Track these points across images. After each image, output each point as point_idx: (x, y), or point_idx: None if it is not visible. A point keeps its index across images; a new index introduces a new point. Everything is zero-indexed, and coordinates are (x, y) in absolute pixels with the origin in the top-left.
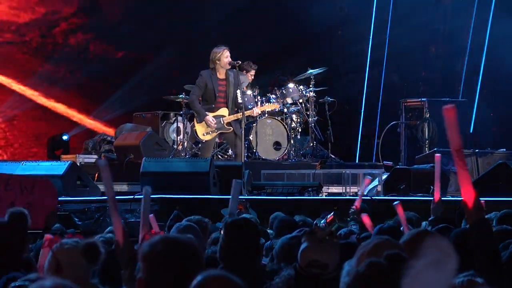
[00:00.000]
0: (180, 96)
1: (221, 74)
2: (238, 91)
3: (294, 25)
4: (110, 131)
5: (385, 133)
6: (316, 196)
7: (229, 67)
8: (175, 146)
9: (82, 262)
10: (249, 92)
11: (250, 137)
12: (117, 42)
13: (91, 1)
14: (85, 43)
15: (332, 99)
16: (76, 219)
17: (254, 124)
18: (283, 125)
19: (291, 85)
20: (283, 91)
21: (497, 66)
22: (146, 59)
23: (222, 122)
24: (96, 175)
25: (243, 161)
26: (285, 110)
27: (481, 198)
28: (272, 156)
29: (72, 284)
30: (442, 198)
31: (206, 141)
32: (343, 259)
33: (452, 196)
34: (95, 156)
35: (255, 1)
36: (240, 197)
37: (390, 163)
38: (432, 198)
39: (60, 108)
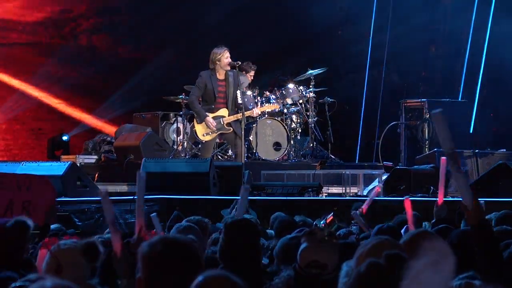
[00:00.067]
0: (180, 96)
1: (221, 75)
2: (238, 92)
3: (294, 25)
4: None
5: (385, 134)
6: (316, 196)
7: (229, 68)
8: (175, 147)
9: (82, 262)
10: (249, 92)
11: (250, 138)
12: (117, 42)
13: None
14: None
15: (332, 100)
16: (76, 220)
17: (254, 125)
18: (283, 125)
19: (291, 85)
20: (283, 91)
21: (497, 66)
22: (146, 59)
23: (222, 123)
24: (96, 175)
25: (243, 161)
26: (285, 110)
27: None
28: (272, 156)
29: (72, 284)
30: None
31: (206, 141)
32: (342, 259)
33: (452, 196)
34: (95, 157)
35: (255, 1)
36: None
37: (390, 163)
38: (432, 198)
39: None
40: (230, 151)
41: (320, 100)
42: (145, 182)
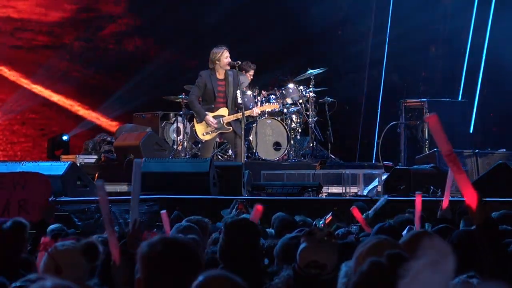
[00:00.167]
0: (180, 96)
1: (220, 74)
2: (238, 92)
3: (294, 25)
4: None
5: (385, 133)
6: (316, 196)
7: (229, 67)
8: (175, 147)
9: (82, 262)
10: (249, 92)
11: (250, 138)
12: (118, 41)
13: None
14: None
15: (332, 99)
16: (76, 219)
17: (254, 125)
18: (283, 125)
19: (291, 85)
20: (283, 91)
21: (497, 66)
22: (147, 59)
23: (222, 122)
24: (96, 175)
25: (243, 161)
26: (285, 110)
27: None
28: (272, 156)
29: (72, 285)
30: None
31: (206, 141)
32: (341, 259)
33: (452, 197)
34: (95, 156)
35: (255, 1)
36: (240, 197)
37: (390, 163)
38: (432, 198)
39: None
40: (230, 151)
41: (320, 100)
42: (141, 170)
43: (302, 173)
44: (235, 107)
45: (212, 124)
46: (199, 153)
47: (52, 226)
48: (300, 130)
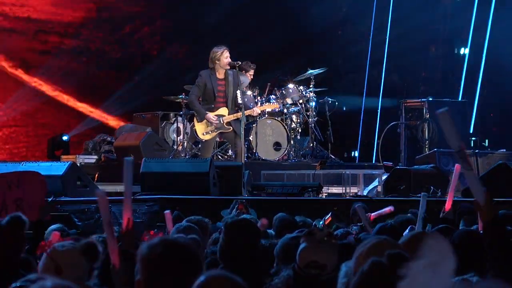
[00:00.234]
0: (180, 96)
1: (220, 74)
2: (238, 92)
3: (294, 25)
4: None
5: (385, 133)
6: (316, 196)
7: (229, 67)
8: (175, 147)
9: (82, 262)
10: (249, 92)
11: (250, 138)
12: (118, 42)
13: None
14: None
15: (332, 100)
16: (76, 219)
17: (254, 125)
18: (283, 125)
19: (291, 85)
20: (283, 91)
21: (497, 66)
22: (147, 58)
23: (222, 122)
24: (96, 175)
25: (243, 161)
26: (285, 110)
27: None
28: (272, 156)
29: (72, 285)
30: (442, 198)
31: (206, 140)
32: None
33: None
34: (95, 157)
35: (255, 1)
36: (240, 197)
37: (390, 163)
38: (433, 198)
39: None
40: (230, 151)
41: (320, 100)
42: (132, 168)
43: (302, 173)
44: (235, 107)
45: (213, 121)
46: (199, 153)
47: (52, 226)
48: (300, 130)
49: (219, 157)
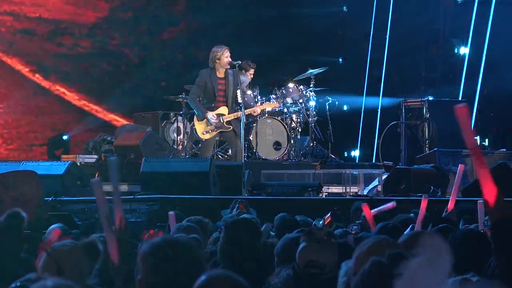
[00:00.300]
0: (180, 96)
1: (220, 73)
2: (238, 91)
3: (295, 24)
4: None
5: (385, 133)
6: (316, 196)
7: (229, 67)
8: (175, 146)
9: (83, 262)
10: (249, 92)
11: (250, 137)
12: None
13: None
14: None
15: (332, 99)
16: (76, 219)
17: (254, 124)
18: (283, 125)
19: (291, 85)
20: (283, 91)
21: (497, 66)
22: (147, 58)
23: (222, 121)
24: (96, 175)
25: (243, 161)
26: (285, 110)
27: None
28: (272, 156)
29: (74, 284)
30: (442, 198)
31: (205, 140)
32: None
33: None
34: (95, 156)
35: (255, 1)
36: (240, 197)
37: (390, 163)
38: (433, 198)
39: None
40: (230, 150)
41: (320, 100)
42: (118, 167)
43: (302, 172)
44: (235, 107)
45: (213, 120)
46: (199, 153)
47: (53, 226)
48: (300, 130)
49: (219, 156)
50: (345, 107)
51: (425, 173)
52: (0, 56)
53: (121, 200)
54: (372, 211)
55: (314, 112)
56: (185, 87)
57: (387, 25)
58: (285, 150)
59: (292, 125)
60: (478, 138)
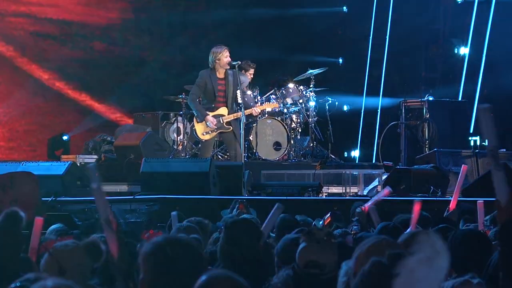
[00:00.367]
0: (180, 96)
1: (220, 74)
2: (238, 91)
3: (295, 24)
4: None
5: (385, 133)
6: (316, 196)
7: (229, 67)
8: (175, 146)
9: (85, 262)
10: (249, 92)
11: (250, 138)
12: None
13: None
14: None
15: (332, 99)
16: (76, 219)
17: (254, 125)
18: (283, 125)
19: (291, 85)
20: (283, 91)
21: (497, 66)
22: (147, 58)
23: (222, 122)
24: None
25: (243, 161)
26: (285, 110)
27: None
28: (272, 156)
29: (74, 284)
30: (442, 199)
31: (205, 140)
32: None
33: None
34: (95, 156)
35: (255, 1)
36: (240, 197)
37: (390, 163)
38: (434, 198)
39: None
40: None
41: (320, 100)
42: (96, 173)
43: (302, 173)
44: (235, 107)
45: (212, 125)
46: (199, 153)
47: (54, 226)
48: (300, 130)
49: (219, 157)
50: (345, 108)
51: (425, 174)
52: (4, 52)
53: (107, 202)
54: (369, 202)
55: (314, 113)
56: (185, 87)
57: (387, 25)
58: (285, 151)
59: (292, 126)
60: (478, 138)
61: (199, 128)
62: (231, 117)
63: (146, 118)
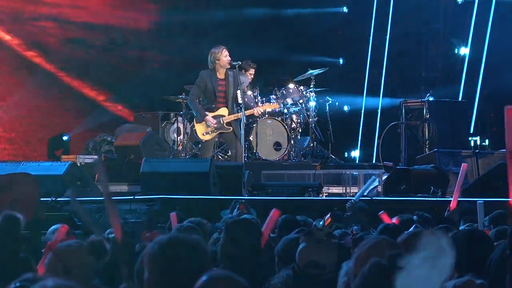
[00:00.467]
0: (180, 96)
1: (221, 74)
2: (238, 92)
3: (295, 24)
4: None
5: (385, 133)
6: (316, 196)
7: (229, 66)
8: (175, 147)
9: (89, 261)
10: (249, 92)
11: (250, 138)
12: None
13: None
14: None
15: (333, 99)
16: (76, 220)
17: (254, 125)
18: (283, 125)
19: (291, 85)
20: (284, 91)
21: (497, 66)
22: (146, 58)
23: (222, 122)
24: (97, 175)
25: (243, 161)
26: (286, 110)
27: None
28: (273, 156)
29: (75, 284)
30: (442, 199)
31: (205, 141)
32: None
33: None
34: (95, 156)
35: (255, 1)
36: (240, 197)
37: (390, 163)
38: (434, 198)
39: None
40: (230, 151)
41: (320, 100)
42: (103, 167)
43: (303, 173)
44: (235, 107)
45: (212, 125)
46: (199, 153)
47: (54, 226)
48: (300, 130)
49: (219, 157)
50: (346, 108)
51: (425, 174)
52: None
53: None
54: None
55: (314, 113)
56: (185, 87)
57: (387, 25)
58: (285, 151)
59: (292, 126)
60: (478, 138)
61: (200, 128)
62: (232, 117)
63: (146, 118)
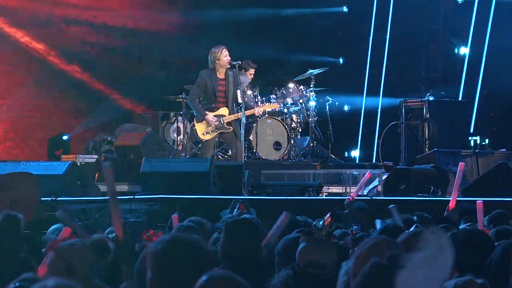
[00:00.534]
0: (180, 96)
1: (221, 74)
2: (238, 91)
3: (295, 24)
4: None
5: (385, 133)
6: (316, 196)
7: (229, 66)
8: (175, 146)
9: (92, 260)
10: (249, 92)
11: (250, 137)
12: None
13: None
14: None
15: (333, 99)
16: (76, 220)
17: (254, 124)
18: (283, 125)
19: (291, 85)
20: (284, 91)
21: (497, 66)
22: (147, 58)
23: (222, 122)
24: (97, 175)
25: (243, 161)
26: (286, 110)
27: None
28: (273, 156)
29: (75, 284)
30: (442, 199)
31: (206, 140)
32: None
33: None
34: (95, 156)
35: (255, 1)
36: (240, 197)
37: (390, 163)
38: (434, 198)
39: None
40: (230, 151)
41: (320, 100)
42: (113, 172)
43: (303, 173)
44: (235, 107)
45: (213, 123)
46: (199, 153)
47: (54, 226)
48: (300, 130)
49: (219, 157)
50: (346, 108)
51: (425, 173)
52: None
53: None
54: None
55: (314, 112)
56: (185, 87)
57: (387, 25)
58: (285, 150)
59: (292, 125)
60: (478, 138)
61: (200, 128)
62: (232, 117)
63: (146, 118)
